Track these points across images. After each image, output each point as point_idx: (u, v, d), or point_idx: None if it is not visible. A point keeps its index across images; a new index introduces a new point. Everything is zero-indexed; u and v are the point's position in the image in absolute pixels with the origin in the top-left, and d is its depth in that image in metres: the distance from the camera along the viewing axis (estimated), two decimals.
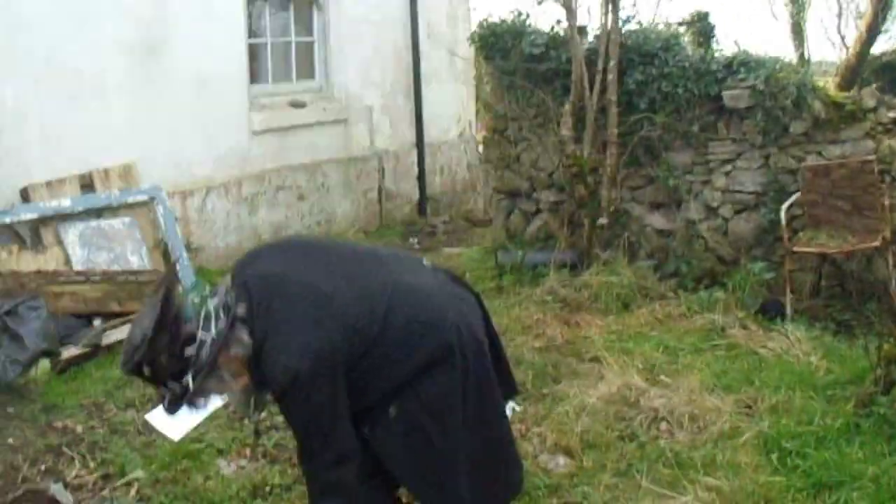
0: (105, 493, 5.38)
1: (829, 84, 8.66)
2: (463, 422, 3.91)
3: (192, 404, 3.63)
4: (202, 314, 3.57)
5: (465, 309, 4.06)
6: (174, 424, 4.34)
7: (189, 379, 3.52)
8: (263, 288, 3.72)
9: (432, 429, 3.85)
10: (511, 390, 4.46)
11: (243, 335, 3.60)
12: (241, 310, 3.62)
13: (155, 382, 3.60)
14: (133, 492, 5.41)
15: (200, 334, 3.53)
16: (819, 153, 8.46)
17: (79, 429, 6.27)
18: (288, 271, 3.81)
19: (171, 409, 3.61)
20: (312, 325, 3.64)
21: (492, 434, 4.11)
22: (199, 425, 5.86)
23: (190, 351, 3.52)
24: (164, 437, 4.16)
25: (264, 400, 3.85)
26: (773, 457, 5.62)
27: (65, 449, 5.97)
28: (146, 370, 3.53)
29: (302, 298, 3.71)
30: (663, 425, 6.16)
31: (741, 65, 8.81)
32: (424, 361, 3.81)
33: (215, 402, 3.99)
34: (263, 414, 4.23)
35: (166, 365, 3.52)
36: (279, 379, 3.55)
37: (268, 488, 5.49)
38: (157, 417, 4.34)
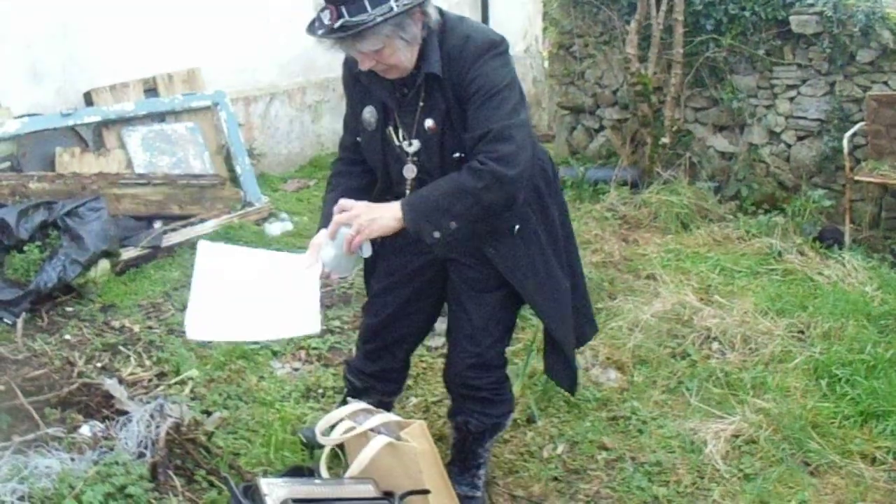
0: (159, 390, 5.47)
1: None
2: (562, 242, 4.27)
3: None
4: None
5: None
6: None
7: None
8: None
9: (545, 237, 4.14)
10: None
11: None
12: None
13: None
14: (187, 390, 5.51)
15: None
16: (885, 83, 8.29)
17: (136, 328, 6.37)
18: None
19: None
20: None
21: (577, 274, 4.43)
22: None
23: None
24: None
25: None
26: (823, 383, 5.66)
27: (121, 347, 6.07)
28: None
29: None
30: (715, 345, 6.20)
31: None
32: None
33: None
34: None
35: None
36: (485, 39, 3.97)
37: (321, 391, 5.61)
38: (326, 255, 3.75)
